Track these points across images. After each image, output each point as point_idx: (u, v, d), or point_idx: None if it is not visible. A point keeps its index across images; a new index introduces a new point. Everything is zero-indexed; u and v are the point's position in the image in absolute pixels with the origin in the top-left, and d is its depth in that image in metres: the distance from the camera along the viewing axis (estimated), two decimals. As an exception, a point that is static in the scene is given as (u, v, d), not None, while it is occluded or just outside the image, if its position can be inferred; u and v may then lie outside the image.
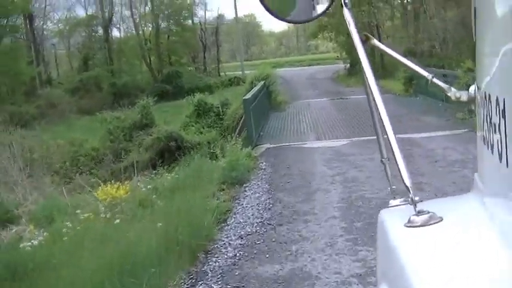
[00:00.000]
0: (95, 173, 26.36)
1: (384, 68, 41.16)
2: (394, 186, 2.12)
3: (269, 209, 10.33)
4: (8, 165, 19.50)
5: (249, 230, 9.21)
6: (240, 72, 56.40)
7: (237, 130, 21.08)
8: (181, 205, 9.96)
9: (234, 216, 10.08)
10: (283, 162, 14.51)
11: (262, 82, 26.43)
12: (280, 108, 27.29)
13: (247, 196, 11.40)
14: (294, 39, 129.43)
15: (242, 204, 10.80)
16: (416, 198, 1.74)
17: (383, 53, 2.35)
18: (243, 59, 68.19)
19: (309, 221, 9.31)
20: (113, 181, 24.04)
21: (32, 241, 10.28)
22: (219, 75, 69.04)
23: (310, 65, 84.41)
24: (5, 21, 52.42)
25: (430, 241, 1.63)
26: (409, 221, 1.71)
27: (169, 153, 26.30)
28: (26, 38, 59.40)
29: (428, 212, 1.70)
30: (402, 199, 2.02)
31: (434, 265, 1.49)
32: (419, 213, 1.71)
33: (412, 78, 28.35)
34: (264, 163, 14.60)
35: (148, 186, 12.73)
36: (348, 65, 56.45)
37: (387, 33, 49.67)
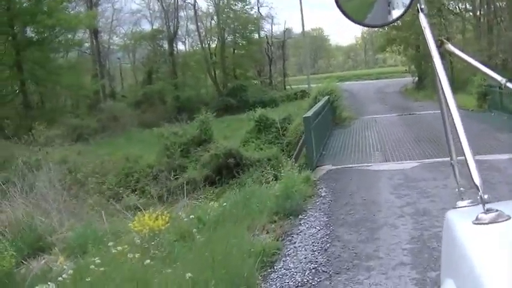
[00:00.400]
0: (147, 191, 25.08)
1: (454, 81, 39.12)
2: (462, 189, 2.08)
3: (325, 249, 8.60)
4: (50, 185, 18.20)
5: (299, 280, 7.51)
6: (306, 86, 54.68)
7: (296, 151, 19.32)
8: (221, 244, 8.42)
9: (284, 259, 8.37)
10: (345, 189, 12.73)
11: (326, 97, 24.75)
12: (345, 125, 25.54)
13: (301, 232, 9.67)
14: (362, 53, 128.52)
15: (294, 243, 9.09)
16: (486, 197, 1.72)
17: (458, 58, 2.26)
18: (310, 73, 66.55)
19: (373, 269, 7.56)
20: (165, 200, 23.24)
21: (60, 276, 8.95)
22: (285, 88, 67.67)
23: (377, 79, 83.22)
24: (71, 36, 51.83)
25: (498, 238, 1.63)
26: (477, 219, 1.69)
27: (228, 170, 24.89)
28: (91, 53, 58.98)
29: (497, 211, 1.68)
30: (470, 200, 1.99)
31: (503, 262, 1.49)
32: (487, 211, 1.69)
33: (486, 94, 26.29)
34: (324, 189, 12.85)
35: (191, 216, 11.09)
36: (417, 78, 54.80)
37: (459, 47, 47.33)
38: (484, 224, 1.66)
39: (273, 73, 70.03)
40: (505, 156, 14.55)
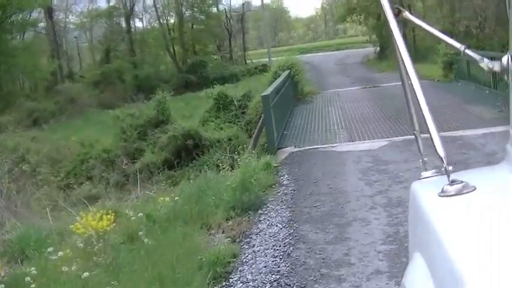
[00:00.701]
0: (104, 178, 23.75)
1: (417, 50, 38.12)
2: (425, 158, 2.13)
3: (289, 254, 7.40)
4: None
5: (258, 298, 6.34)
6: (267, 59, 53.48)
7: (255, 133, 18.00)
8: (171, 251, 7.30)
9: (241, 269, 7.15)
10: (309, 175, 11.51)
11: (287, 72, 23.52)
12: (307, 100, 24.33)
13: (260, 232, 8.46)
14: (322, 24, 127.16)
15: (253, 246, 7.88)
16: (450, 168, 1.78)
17: (416, 27, 2.86)
18: (271, 46, 65.31)
19: (344, 280, 6.41)
20: (121, 188, 21.96)
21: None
22: (246, 63, 66.31)
23: (338, 50, 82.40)
24: (23, 16, 49.76)
25: (464, 210, 1.68)
26: (442, 191, 1.74)
27: (187, 152, 23.60)
28: (47, 32, 56.96)
29: (462, 182, 1.73)
30: (434, 170, 2.02)
31: (469, 233, 1.53)
32: (452, 182, 1.73)
33: (452, 63, 25.13)
34: (286, 176, 11.63)
35: (140, 214, 9.81)
36: (378, 48, 53.89)
37: (420, 14, 46.40)
38: (449, 196, 1.71)
39: (233, 47, 68.58)
40: (480, 131, 13.47)
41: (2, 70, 44.71)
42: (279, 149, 14.59)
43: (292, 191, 10.43)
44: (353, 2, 51.44)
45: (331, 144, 14.47)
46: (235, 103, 26.51)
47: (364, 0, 48.29)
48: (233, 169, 12.37)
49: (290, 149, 14.41)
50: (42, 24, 57.58)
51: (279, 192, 10.50)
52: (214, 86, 30.91)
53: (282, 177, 11.54)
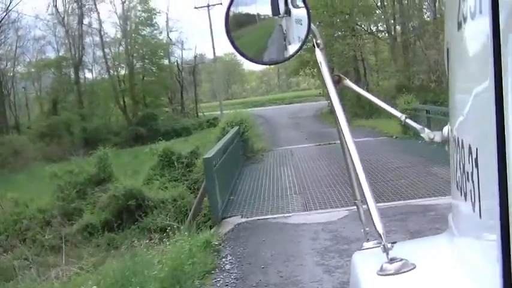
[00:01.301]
0: (39, 240, 21.43)
1: (371, 105, 36.72)
2: (367, 228, 2.09)
3: None
4: None
5: None
6: (219, 113, 51.99)
7: (195, 203, 15.91)
8: None
9: None
10: (257, 257, 9.47)
11: (236, 128, 21.66)
12: (258, 159, 22.38)
13: None
14: (275, 77, 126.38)
15: None
16: (389, 245, 1.70)
17: (355, 93, 2.38)
18: (223, 98, 64.26)
19: None
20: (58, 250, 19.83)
21: None
22: (197, 116, 64.60)
23: (291, 103, 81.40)
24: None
25: None
26: (381, 269, 1.68)
27: (129, 213, 21.51)
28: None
29: (401, 260, 1.67)
30: (376, 241, 1.96)
31: None
32: (391, 260, 1.67)
33: (410, 118, 23.46)
34: (229, 258, 9.59)
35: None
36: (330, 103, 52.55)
37: (374, 68, 45.26)
38: (388, 274, 1.64)
39: (185, 100, 66.92)
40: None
41: None
42: (223, 218, 12.60)
43: (235, 281, 8.39)
44: (306, 55, 50.14)
45: (283, 214, 12.43)
46: (182, 160, 24.42)
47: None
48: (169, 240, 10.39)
49: (236, 220, 12.40)
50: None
51: (219, 281, 8.45)
52: (161, 140, 28.98)
53: (223, 260, 9.50)
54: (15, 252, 20.33)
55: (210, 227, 12.93)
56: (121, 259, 10.53)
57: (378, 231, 1.72)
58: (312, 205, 13.09)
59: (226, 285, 8.24)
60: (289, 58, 2.41)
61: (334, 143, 24.20)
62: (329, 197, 13.60)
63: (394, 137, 24.06)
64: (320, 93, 61.16)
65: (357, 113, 37.77)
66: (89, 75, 64.66)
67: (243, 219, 12.36)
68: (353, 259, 1.97)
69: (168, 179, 23.86)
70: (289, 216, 12.27)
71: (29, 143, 47.43)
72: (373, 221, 1.74)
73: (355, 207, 2.25)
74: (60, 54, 60.99)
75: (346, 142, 1.97)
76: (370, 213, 1.75)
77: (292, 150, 24.52)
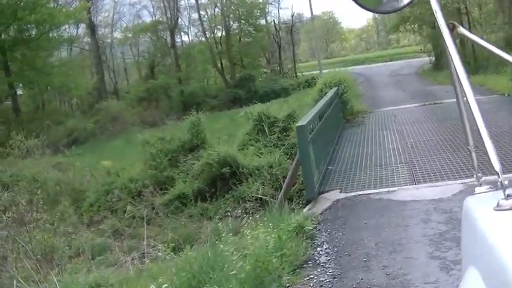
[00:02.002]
0: (130, 211, 20.50)
1: (477, 60, 34.28)
2: (480, 174, 2.01)
3: None
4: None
5: None
6: (318, 72, 50.29)
7: (288, 179, 14.23)
8: None
9: None
10: (358, 245, 7.88)
11: (334, 89, 20.02)
12: (358, 122, 20.65)
13: None
14: (374, 35, 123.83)
15: None
16: (506, 182, 1.72)
17: (472, 42, 2.27)
18: (322, 57, 62.36)
19: None
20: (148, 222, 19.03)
21: None
22: (296, 76, 62.83)
23: (391, 60, 78.39)
24: (61, 32, 47.13)
25: None
26: (498, 205, 1.68)
27: (223, 181, 20.21)
28: (90, 49, 54.55)
29: None
30: (489, 186, 1.94)
31: None
32: (508, 196, 1.67)
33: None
34: (325, 246, 8.04)
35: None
36: (433, 58, 50.23)
37: (479, 21, 42.44)
38: (505, 210, 1.64)
39: (284, 60, 65.22)
40: None
41: (38, 89, 42.05)
42: (320, 193, 11.08)
43: (331, 279, 6.87)
44: (407, 10, 47.68)
45: (388, 189, 10.75)
46: (279, 124, 22.88)
47: (417, 8, 44.54)
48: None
49: (334, 195, 10.83)
50: (87, 40, 55.36)
51: (312, 279, 6.97)
52: (258, 102, 27.45)
53: (318, 249, 7.96)
54: (106, 223, 19.71)
55: (306, 204, 11.49)
56: (202, 247, 9.21)
57: (495, 169, 1.70)
58: (421, 177, 11.33)
59: (321, 286, 6.74)
60: (403, 7, 2.42)
61: (441, 103, 22.26)
62: (439, 167, 11.82)
63: (506, 94, 21.85)
64: (421, 49, 58.88)
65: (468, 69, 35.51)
66: (185, 38, 64.09)
67: (342, 195, 10.80)
68: (465, 203, 1.91)
69: (263, 144, 22.41)
70: (395, 191, 10.58)
71: (127, 108, 47.05)
72: (490, 159, 1.71)
73: (469, 152, 2.13)
74: (156, 18, 60.39)
75: (462, 86, 1.90)
76: (487, 152, 1.73)
77: (395, 111, 22.59)
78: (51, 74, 40.86)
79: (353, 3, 2.30)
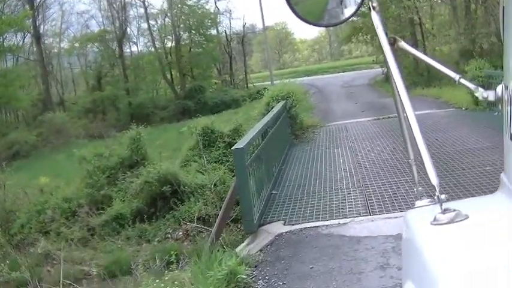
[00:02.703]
0: (64, 233, 18.72)
1: (430, 72, 33.31)
2: (420, 188, 2.13)
3: None
4: None
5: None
6: (269, 83, 49.07)
7: (221, 212, 12.48)
8: None
9: None
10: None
11: (282, 103, 18.53)
12: (308, 137, 19.11)
13: None
14: (327, 45, 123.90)
15: None
16: (443, 197, 1.74)
17: (411, 55, 2.34)
18: (275, 68, 61.49)
19: None
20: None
21: None
22: (247, 87, 61.35)
23: (344, 71, 77.54)
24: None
25: (456, 238, 1.62)
26: (435, 219, 1.69)
27: (163, 201, 18.64)
28: (35, 59, 52.49)
29: (454, 210, 1.69)
30: (428, 200, 2.00)
31: (460, 262, 1.48)
32: (445, 211, 1.69)
33: (484, 86, 19.75)
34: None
35: None
36: (386, 69, 49.32)
37: (431, 32, 41.65)
38: (442, 224, 1.66)
39: (235, 71, 63.71)
40: None
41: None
42: (260, 225, 9.50)
43: None
44: (359, 21, 46.89)
45: (338, 221, 9.19)
46: (224, 140, 21.24)
47: (369, 19, 43.72)
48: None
49: (277, 228, 9.26)
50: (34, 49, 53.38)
51: None
52: (199, 116, 25.97)
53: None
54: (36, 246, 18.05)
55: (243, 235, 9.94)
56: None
57: (432, 183, 1.73)
58: (376, 205, 9.79)
59: None
60: (345, 21, 2.46)
61: (394, 117, 20.80)
62: (396, 192, 10.31)
63: (464, 108, 20.55)
64: (374, 60, 58.18)
65: (415, 81, 34.62)
66: (134, 48, 62.08)
67: (286, 227, 9.22)
68: (406, 217, 1.94)
69: (207, 160, 20.75)
70: (347, 223, 9.01)
71: (72, 120, 45.08)
72: (427, 173, 1.74)
73: (410, 166, 2.23)
74: (105, 28, 58.34)
75: (400, 99, 1.95)
76: (424, 166, 1.77)
77: (347, 125, 21.12)
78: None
79: (296, 18, 2.30)
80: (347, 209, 9.83)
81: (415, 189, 2.15)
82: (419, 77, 35.71)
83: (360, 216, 9.40)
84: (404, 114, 1.95)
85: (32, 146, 39.07)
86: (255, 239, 8.92)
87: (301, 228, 9.06)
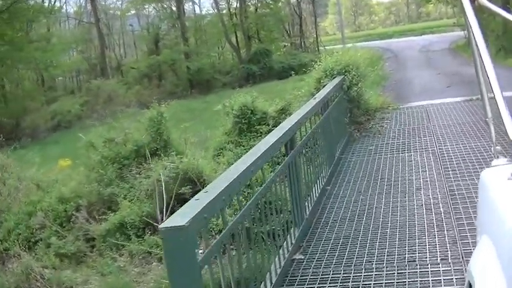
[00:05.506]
0: (55, 245, 13.73)
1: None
2: (498, 147, 2.18)
3: None
4: None
5: None
6: (341, 46, 43.73)
7: None
8: None
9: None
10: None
11: (338, 79, 12.91)
12: (372, 130, 13.19)
13: None
14: (404, 7, 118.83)
15: None
16: None
17: (493, 13, 2.24)
18: (351, 31, 56.20)
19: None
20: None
21: None
22: (318, 50, 55.70)
23: (422, 34, 71.02)
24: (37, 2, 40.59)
25: None
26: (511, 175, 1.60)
27: (182, 203, 13.20)
28: (89, 21, 48.60)
29: None
30: (506, 159, 2.08)
31: None
32: None
33: None
34: None
35: None
36: (467, 32, 43.12)
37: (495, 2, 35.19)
38: None
39: (305, 33, 58.04)
40: None
41: (7, 66, 35.26)
42: None
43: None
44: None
45: None
46: (268, 122, 15.68)
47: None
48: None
49: None
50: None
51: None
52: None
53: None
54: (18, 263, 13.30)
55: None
56: None
57: (511, 140, 1.73)
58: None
59: None
60: None
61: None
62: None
63: None
64: (454, 23, 52.47)
65: (505, 46, 28.53)
66: (195, 9, 57.93)
67: None
68: (482, 175, 1.99)
69: (245, 148, 15.21)
70: None
71: (124, 86, 40.62)
72: (506, 130, 1.74)
73: (487, 125, 2.21)
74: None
75: (482, 58, 1.89)
76: (503, 123, 1.75)
77: (429, 108, 15.24)
78: (22, 50, 34.00)
79: None
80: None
81: (492, 148, 2.19)
82: (511, 43, 29.62)
83: None
84: (483, 69, 1.90)
85: (75, 117, 34.75)
86: None
87: None
